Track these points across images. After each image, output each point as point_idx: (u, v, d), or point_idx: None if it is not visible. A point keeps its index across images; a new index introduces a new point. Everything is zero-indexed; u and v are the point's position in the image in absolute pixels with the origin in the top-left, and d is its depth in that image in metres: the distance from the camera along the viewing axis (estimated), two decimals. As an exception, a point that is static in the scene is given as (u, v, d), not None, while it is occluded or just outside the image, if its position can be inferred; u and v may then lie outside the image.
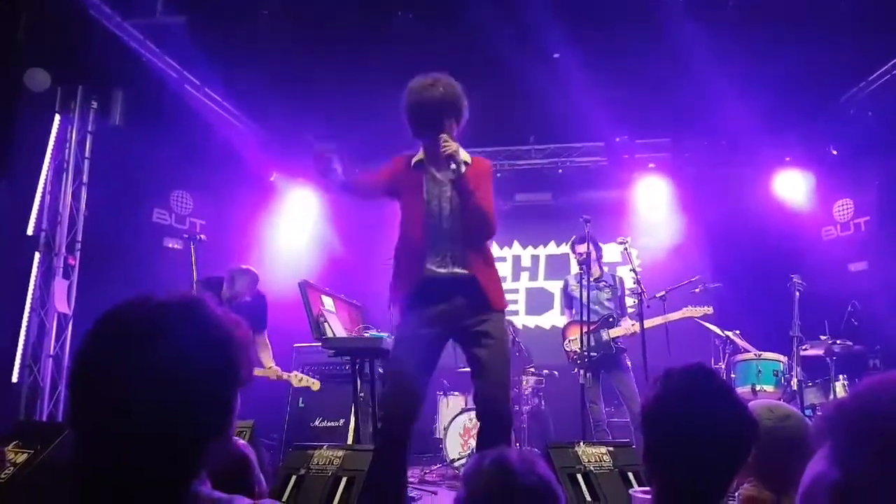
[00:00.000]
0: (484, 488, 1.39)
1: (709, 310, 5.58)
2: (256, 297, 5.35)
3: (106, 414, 0.99)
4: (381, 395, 3.19)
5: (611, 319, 5.65)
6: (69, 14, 5.27)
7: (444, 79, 3.18)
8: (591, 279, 5.56)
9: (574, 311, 5.87)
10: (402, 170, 3.31)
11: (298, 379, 5.35)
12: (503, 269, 8.68)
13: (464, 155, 3.22)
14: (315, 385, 5.35)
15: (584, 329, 5.09)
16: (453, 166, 3.06)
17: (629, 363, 5.50)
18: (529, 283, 8.66)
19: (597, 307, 5.63)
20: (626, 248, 5.45)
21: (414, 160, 3.20)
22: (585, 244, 5.52)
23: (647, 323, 5.36)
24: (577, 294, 5.49)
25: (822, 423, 0.80)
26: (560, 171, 8.28)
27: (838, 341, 5.58)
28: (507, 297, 8.68)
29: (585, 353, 5.10)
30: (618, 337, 5.58)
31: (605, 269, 5.97)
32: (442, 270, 3.12)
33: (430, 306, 3.10)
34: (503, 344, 3.10)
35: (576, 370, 5.50)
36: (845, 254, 7.27)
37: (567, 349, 5.86)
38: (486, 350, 3.06)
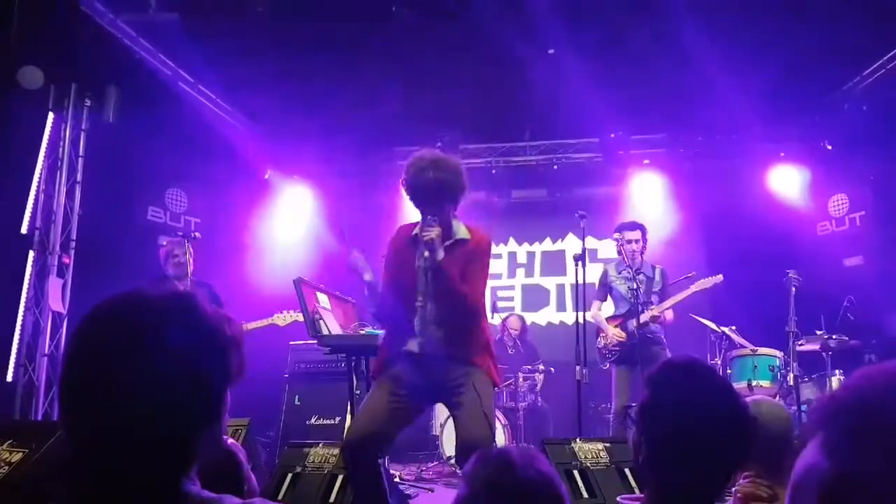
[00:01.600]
0: (485, 485, 1.39)
1: (719, 278, 5.46)
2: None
3: (94, 413, 0.98)
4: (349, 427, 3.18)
5: (633, 310, 5.37)
6: (62, 11, 5.25)
7: (441, 160, 3.12)
8: (633, 271, 5.44)
9: (608, 303, 5.69)
10: (402, 244, 3.26)
11: (282, 318, 5.34)
12: (499, 267, 8.69)
13: (460, 229, 3.21)
14: (298, 317, 5.36)
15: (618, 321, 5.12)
16: (427, 254, 3.01)
17: (666, 353, 5.23)
18: (525, 279, 8.66)
19: (633, 298, 5.42)
20: (621, 244, 5.44)
21: (414, 232, 3.16)
22: (637, 231, 5.43)
23: (665, 305, 5.34)
24: (616, 285, 5.40)
25: (815, 414, 0.80)
26: (555, 167, 8.28)
27: (834, 336, 5.59)
28: (503, 293, 8.70)
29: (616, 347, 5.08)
30: (644, 326, 5.29)
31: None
32: (420, 350, 3.07)
33: (409, 376, 3.07)
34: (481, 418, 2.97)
35: (606, 365, 5.36)
36: (841, 249, 7.28)
37: (598, 346, 5.56)
38: (463, 408, 2.99)
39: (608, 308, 5.71)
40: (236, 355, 1.11)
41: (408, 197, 3.20)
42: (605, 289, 5.66)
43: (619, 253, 5.49)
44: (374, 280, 3.24)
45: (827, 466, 0.73)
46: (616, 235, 5.53)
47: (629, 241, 5.49)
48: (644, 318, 5.30)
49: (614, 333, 5.35)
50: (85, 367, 1.01)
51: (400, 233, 3.33)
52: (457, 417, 3.05)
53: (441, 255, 3.03)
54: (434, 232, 3.03)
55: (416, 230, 3.14)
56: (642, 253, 5.50)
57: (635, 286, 5.24)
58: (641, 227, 5.55)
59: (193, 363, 1.03)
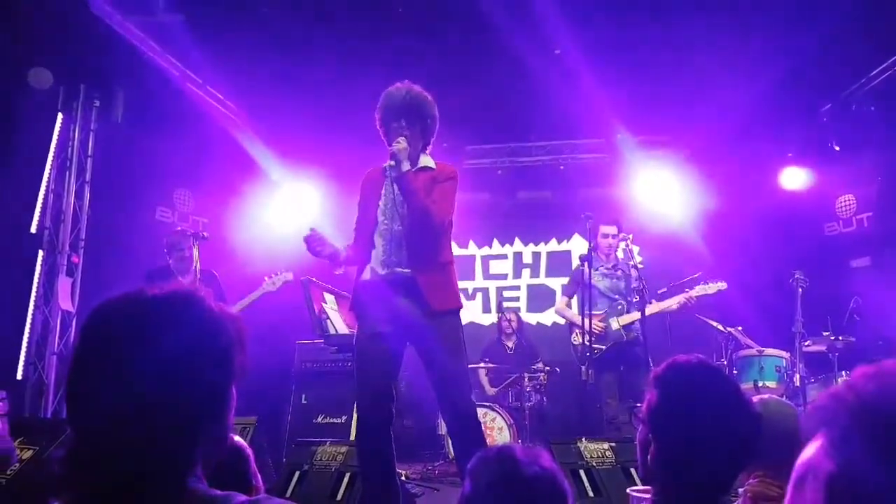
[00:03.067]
0: (488, 481, 1.41)
1: (723, 285, 5.39)
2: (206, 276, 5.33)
3: (100, 410, 0.99)
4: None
5: (619, 307, 5.45)
6: (71, 13, 5.28)
7: (415, 89, 3.28)
8: (610, 266, 5.41)
9: (579, 301, 5.55)
10: (372, 178, 3.39)
11: (272, 282, 5.38)
12: (504, 267, 8.70)
13: (426, 160, 3.31)
14: (288, 276, 5.40)
15: (587, 320, 4.89)
16: (391, 163, 3.11)
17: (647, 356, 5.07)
18: (531, 279, 8.67)
19: (617, 297, 5.47)
20: (627, 245, 5.44)
21: (384, 165, 3.23)
22: (613, 226, 5.38)
23: (662, 305, 5.32)
24: (595, 282, 5.18)
25: (816, 413, 0.80)
26: (561, 167, 8.28)
27: (840, 337, 5.58)
28: (509, 293, 8.67)
29: (590, 347, 4.91)
30: (630, 324, 5.31)
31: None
32: (384, 272, 3.17)
33: (376, 308, 3.16)
34: (449, 344, 3.09)
35: (584, 367, 5.08)
36: (848, 250, 7.26)
37: (574, 343, 5.52)
38: (430, 355, 3.10)
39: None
40: (240, 353, 1.11)
41: (379, 126, 3.32)
42: (577, 286, 5.52)
43: (595, 248, 5.38)
44: (335, 250, 3.28)
45: (830, 466, 0.74)
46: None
47: (605, 236, 5.45)
48: (629, 318, 5.29)
49: (596, 327, 5.17)
50: (89, 365, 1.02)
51: (370, 175, 3.43)
52: (430, 376, 3.13)
53: (406, 166, 3.11)
54: (402, 143, 3.13)
55: (387, 163, 3.20)
56: (625, 250, 5.44)
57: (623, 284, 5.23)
58: (617, 222, 5.51)
59: (198, 361, 1.04)
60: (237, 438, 1.74)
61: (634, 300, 5.25)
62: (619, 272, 5.51)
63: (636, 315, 5.13)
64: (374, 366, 3.10)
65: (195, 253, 5.19)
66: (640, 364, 5.01)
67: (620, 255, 5.55)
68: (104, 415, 0.99)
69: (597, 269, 5.32)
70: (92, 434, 1.00)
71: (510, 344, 7.12)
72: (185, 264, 5.29)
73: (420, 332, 3.11)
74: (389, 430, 3.08)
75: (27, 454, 3.76)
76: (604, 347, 5.29)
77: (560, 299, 5.67)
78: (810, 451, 0.78)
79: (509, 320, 7.12)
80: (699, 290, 5.37)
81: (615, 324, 5.35)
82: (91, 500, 1.00)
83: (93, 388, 1.00)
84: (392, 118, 3.25)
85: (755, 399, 1.92)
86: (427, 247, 3.17)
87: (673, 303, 5.37)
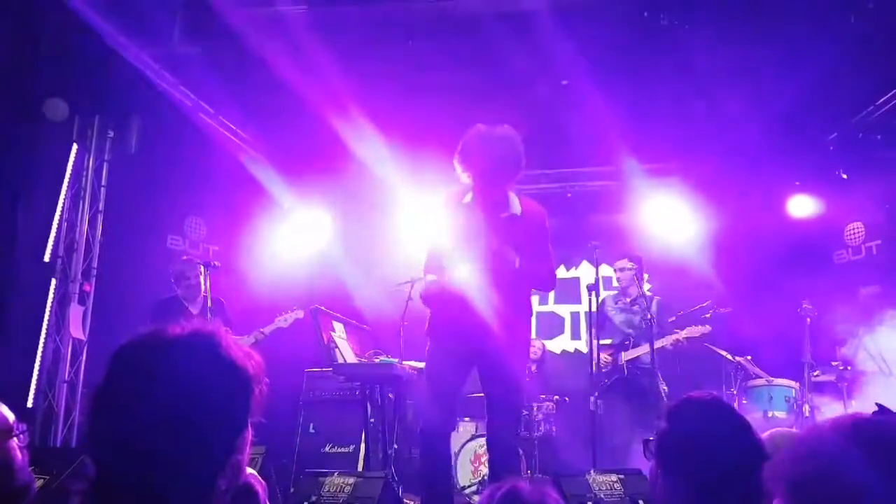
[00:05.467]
0: None
1: (706, 329, 5.58)
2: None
3: (124, 446, 1.02)
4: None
5: (626, 342, 5.58)
6: (87, 45, 5.39)
7: (506, 135, 3.49)
8: (628, 300, 5.52)
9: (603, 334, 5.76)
10: (451, 208, 3.53)
11: (283, 319, 5.44)
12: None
13: (516, 205, 3.51)
14: (299, 313, 5.47)
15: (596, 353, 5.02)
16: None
17: (662, 387, 5.33)
18: (540, 307, 8.64)
19: (631, 330, 5.63)
20: (636, 273, 5.47)
21: (465, 200, 3.40)
22: (627, 260, 5.59)
23: (658, 344, 5.37)
24: (612, 316, 5.45)
25: (776, 473, 0.81)
26: (569, 195, 8.30)
27: (849, 367, 5.55)
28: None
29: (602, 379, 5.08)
30: (634, 359, 5.48)
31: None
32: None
33: (455, 337, 3.31)
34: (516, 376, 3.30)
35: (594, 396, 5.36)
36: (857, 278, 7.22)
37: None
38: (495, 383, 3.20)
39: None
40: (258, 390, 1.15)
41: (464, 170, 3.43)
42: (601, 319, 5.73)
43: (619, 282, 5.60)
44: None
45: None
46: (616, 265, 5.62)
47: (621, 270, 5.59)
48: (634, 353, 5.42)
49: (603, 359, 5.40)
50: (114, 403, 1.06)
51: (451, 199, 3.56)
52: (487, 394, 3.37)
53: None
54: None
55: (467, 198, 3.40)
56: (639, 283, 5.68)
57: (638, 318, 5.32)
58: (635, 258, 5.61)
59: (217, 399, 1.07)
60: (250, 472, 1.75)
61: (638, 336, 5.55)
62: (636, 307, 5.63)
63: (641, 349, 5.38)
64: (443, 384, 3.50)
65: (203, 281, 5.23)
66: (649, 394, 5.09)
67: (643, 289, 5.67)
68: (128, 450, 1.01)
69: (616, 304, 5.45)
70: (115, 468, 1.03)
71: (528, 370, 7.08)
72: (192, 292, 5.33)
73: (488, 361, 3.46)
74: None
75: (38, 483, 3.77)
76: (607, 381, 5.36)
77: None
78: None
79: (533, 349, 7.10)
80: (688, 332, 5.58)
81: (622, 357, 5.45)
82: None
83: (117, 424, 1.03)
84: (483, 179, 3.46)
85: (767, 433, 1.93)
86: (515, 291, 3.54)
87: (667, 342, 5.47)
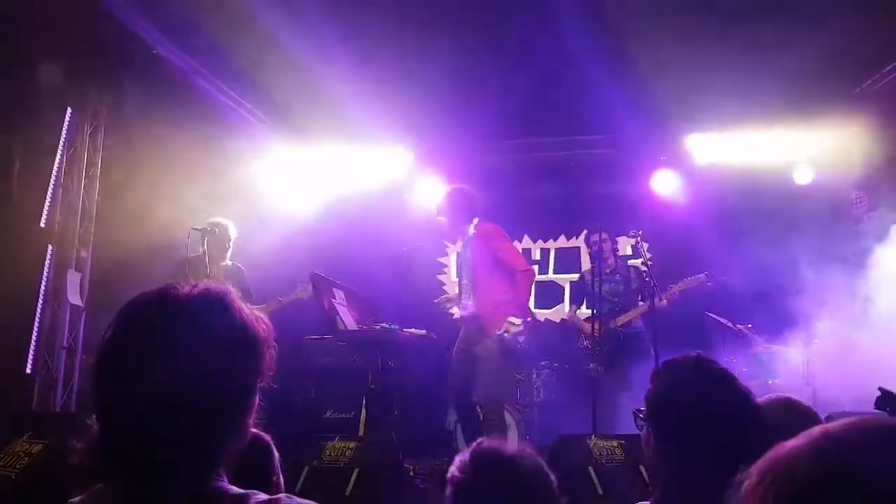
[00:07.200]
0: (476, 466, 1.54)
1: (701, 277, 5.65)
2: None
3: (131, 405, 1.00)
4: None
5: (616, 310, 5.73)
6: (81, 8, 5.28)
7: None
8: (608, 271, 5.65)
9: (585, 306, 6.04)
10: None
11: (304, 290, 5.42)
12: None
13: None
14: (302, 293, 5.42)
15: (595, 322, 5.16)
16: None
17: (650, 350, 5.36)
18: (540, 276, 8.61)
19: (616, 298, 5.77)
20: (637, 242, 5.46)
21: None
22: (602, 233, 5.69)
23: (640, 310, 5.58)
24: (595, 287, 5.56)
25: (764, 478, 0.76)
26: (572, 163, 8.22)
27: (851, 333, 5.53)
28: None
29: (596, 346, 5.19)
30: (626, 324, 5.65)
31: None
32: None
33: None
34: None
35: (591, 366, 5.38)
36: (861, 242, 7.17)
37: (580, 346, 5.98)
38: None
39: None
40: (267, 354, 1.13)
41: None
42: (582, 294, 6.16)
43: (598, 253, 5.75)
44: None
45: None
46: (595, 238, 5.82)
47: (594, 242, 5.80)
48: (626, 318, 5.65)
49: (587, 329, 5.63)
50: (122, 361, 1.03)
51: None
52: None
53: None
54: None
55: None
56: (614, 253, 5.96)
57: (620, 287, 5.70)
58: (606, 230, 5.82)
59: (227, 358, 1.05)
60: (261, 433, 1.73)
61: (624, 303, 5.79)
62: (618, 276, 5.89)
63: (633, 312, 5.66)
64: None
65: (204, 246, 5.20)
66: (643, 357, 5.34)
67: (631, 253, 5.82)
68: (135, 409, 0.99)
69: (595, 277, 5.56)
70: (121, 427, 1.01)
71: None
72: (201, 260, 5.30)
73: None
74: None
75: (37, 448, 3.76)
76: (605, 347, 5.44)
77: (569, 308, 6.12)
78: None
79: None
80: (682, 284, 5.67)
81: (612, 324, 5.67)
82: (115, 493, 1.00)
83: (124, 383, 1.01)
84: None
85: (766, 397, 1.90)
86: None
87: (664, 300, 5.60)
